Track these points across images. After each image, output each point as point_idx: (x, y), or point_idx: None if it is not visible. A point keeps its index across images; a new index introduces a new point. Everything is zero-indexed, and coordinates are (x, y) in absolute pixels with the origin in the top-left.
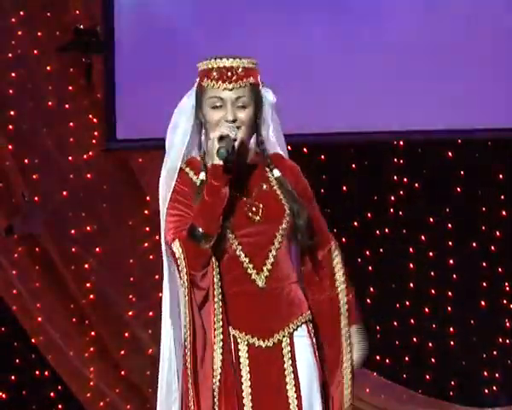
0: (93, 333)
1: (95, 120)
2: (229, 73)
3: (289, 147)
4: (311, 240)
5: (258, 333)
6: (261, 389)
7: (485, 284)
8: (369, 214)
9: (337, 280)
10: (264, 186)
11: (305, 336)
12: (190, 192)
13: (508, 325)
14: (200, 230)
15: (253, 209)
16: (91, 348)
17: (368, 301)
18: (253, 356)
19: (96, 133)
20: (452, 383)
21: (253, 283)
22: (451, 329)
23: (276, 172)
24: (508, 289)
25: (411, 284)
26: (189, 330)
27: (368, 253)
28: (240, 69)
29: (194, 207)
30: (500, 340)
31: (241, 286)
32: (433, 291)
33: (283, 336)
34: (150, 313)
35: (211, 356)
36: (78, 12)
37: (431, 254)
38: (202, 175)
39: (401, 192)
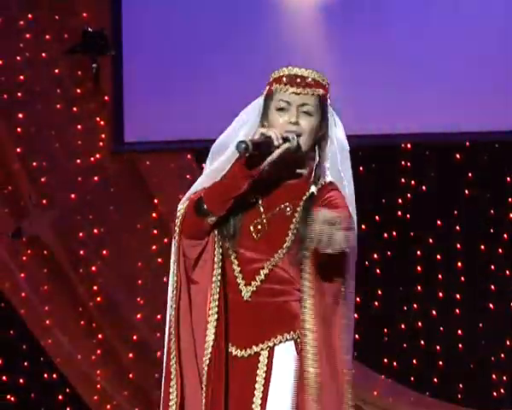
0: (101, 336)
1: (102, 122)
2: (299, 80)
3: None
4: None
5: (235, 342)
6: (229, 399)
7: (493, 287)
8: (376, 217)
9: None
10: (288, 209)
11: (290, 353)
12: None
13: None
14: (205, 206)
15: (258, 227)
16: (99, 351)
17: (376, 303)
18: (228, 364)
19: (103, 136)
20: (460, 385)
21: (239, 293)
22: (459, 332)
23: (313, 188)
24: None
25: (419, 287)
26: (175, 289)
27: (375, 256)
28: (309, 79)
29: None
30: (508, 343)
31: (229, 294)
32: (440, 294)
33: (261, 350)
34: (158, 316)
35: (199, 331)
36: (85, 15)
37: (439, 256)
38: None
39: (409, 195)
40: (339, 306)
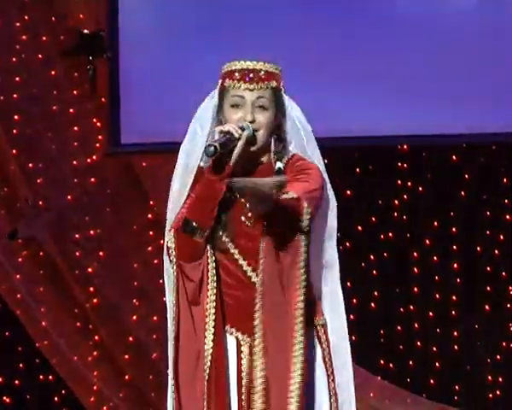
0: (97, 337)
1: (99, 124)
2: (251, 75)
3: None
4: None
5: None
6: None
7: (489, 288)
8: (373, 218)
9: None
10: None
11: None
12: None
13: None
14: (194, 223)
15: (248, 214)
16: (95, 353)
17: (372, 305)
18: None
19: (100, 137)
20: (456, 387)
21: (253, 285)
22: (455, 333)
23: (279, 164)
24: None
25: (415, 289)
26: (174, 319)
27: (372, 257)
28: (262, 72)
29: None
30: (504, 344)
31: (241, 288)
32: (437, 295)
33: None
34: (154, 318)
35: (197, 352)
36: (82, 16)
37: (435, 258)
38: None
39: (405, 196)
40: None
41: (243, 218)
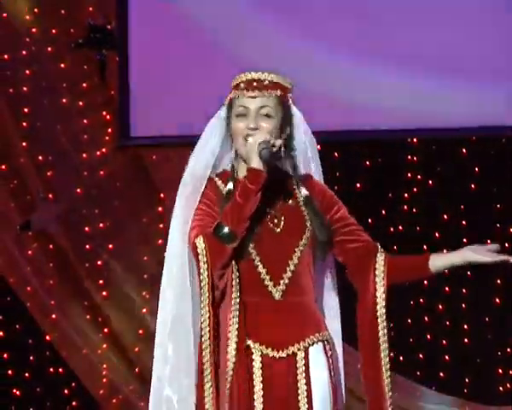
0: (107, 330)
1: (108, 117)
2: (255, 83)
3: None
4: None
5: (271, 344)
6: (273, 401)
7: (499, 282)
8: (383, 211)
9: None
10: (290, 201)
11: (321, 354)
12: (217, 200)
13: None
14: (227, 229)
15: (275, 221)
16: (105, 345)
17: None
18: (266, 367)
19: (109, 130)
20: (466, 380)
21: (269, 294)
22: (465, 326)
23: (304, 191)
24: None
25: (425, 282)
26: (208, 326)
27: None
28: (266, 81)
29: (224, 208)
30: None
31: (257, 296)
32: (447, 288)
33: (298, 350)
34: None
35: (224, 360)
36: (91, 9)
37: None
38: (230, 185)
39: (415, 189)
40: None
41: (271, 225)
